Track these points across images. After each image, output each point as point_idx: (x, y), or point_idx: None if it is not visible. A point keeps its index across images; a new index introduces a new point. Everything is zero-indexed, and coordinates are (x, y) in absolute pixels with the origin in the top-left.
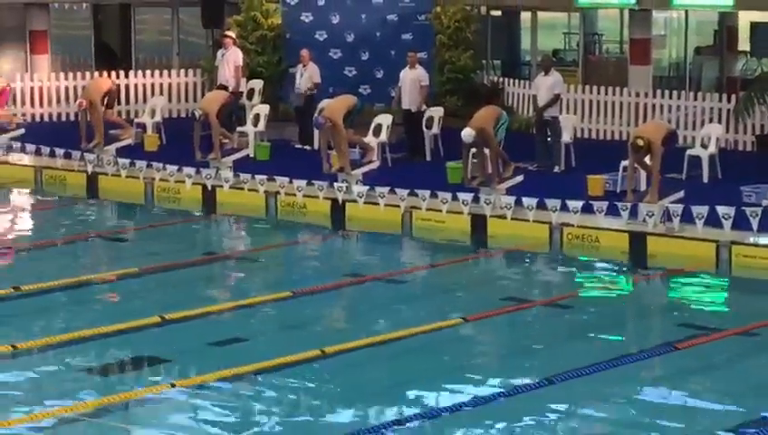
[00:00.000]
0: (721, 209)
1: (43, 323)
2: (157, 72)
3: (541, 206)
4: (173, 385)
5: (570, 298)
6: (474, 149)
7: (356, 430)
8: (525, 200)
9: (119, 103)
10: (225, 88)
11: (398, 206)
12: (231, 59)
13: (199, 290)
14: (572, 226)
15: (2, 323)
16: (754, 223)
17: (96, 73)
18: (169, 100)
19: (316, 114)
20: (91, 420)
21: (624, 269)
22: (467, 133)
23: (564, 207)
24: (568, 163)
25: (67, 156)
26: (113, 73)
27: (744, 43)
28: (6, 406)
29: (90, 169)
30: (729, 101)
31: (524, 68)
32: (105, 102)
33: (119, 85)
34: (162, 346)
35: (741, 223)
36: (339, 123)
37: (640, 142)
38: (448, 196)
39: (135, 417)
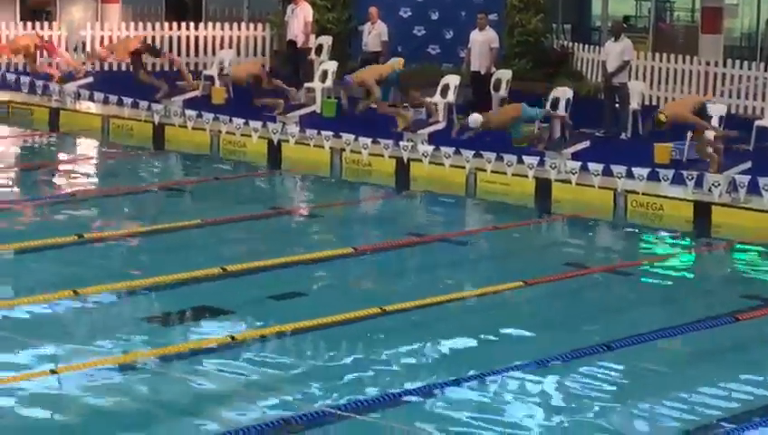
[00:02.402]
0: None
1: (104, 271)
2: (226, 25)
3: (606, 172)
4: (232, 338)
5: (631, 266)
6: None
7: (411, 388)
8: (591, 166)
9: (187, 55)
10: (293, 43)
11: (463, 167)
12: (301, 14)
13: (261, 244)
14: (637, 193)
15: (65, 270)
16: None
17: (128, 33)
18: (238, 53)
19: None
20: (150, 369)
21: (688, 239)
22: (474, 119)
23: (630, 175)
24: (635, 130)
25: (134, 105)
26: (183, 25)
27: None
28: (67, 352)
29: (157, 119)
30: None
31: (594, 33)
32: (139, 61)
33: (150, 43)
34: (222, 298)
35: None
36: (371, 85)
37: (662, 118)
38: (513, 159)
39: (193, 367)
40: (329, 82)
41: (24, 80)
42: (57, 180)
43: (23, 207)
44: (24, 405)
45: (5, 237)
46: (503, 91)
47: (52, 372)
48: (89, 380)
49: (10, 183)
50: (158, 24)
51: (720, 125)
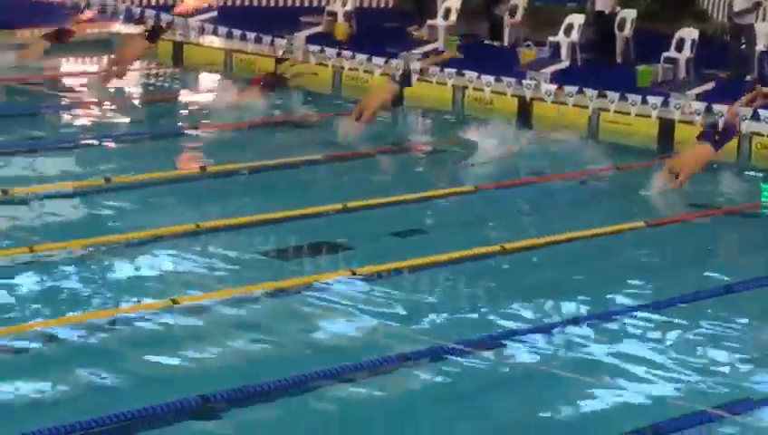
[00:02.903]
0: None
1: (226, 205)
2: None
3: None
4: (354, 272)
5: (754, 208)
6: None
7: (528, 327)
8: (716, 107)
9: None
10: None
11: (586, 106)
12: None
13: (382, 180)
14: (762, 135)
15: (187, 203)
16: None
17: None
18: None
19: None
20: (268, 303)
21: None
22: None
23: (755, 116)
24: (761, 72)
25: (258, 40)
26: None
27: None
28: (185, 283)
29: (279, 54)
30: None
31: None
32: None
33: None
34: (343, 234)
35: None
36: None
37: None
38: (638, 99)
39: (312, 301)
40: (452, 20)
41: (150, 13)
42: (180, 114)
43: (144, 141)
44: (144, 334)
45: (130, 170)
46: (627, 31)
47: (173, 302)
48: (207, 312)
49: (134, 116)
50: None
51: None
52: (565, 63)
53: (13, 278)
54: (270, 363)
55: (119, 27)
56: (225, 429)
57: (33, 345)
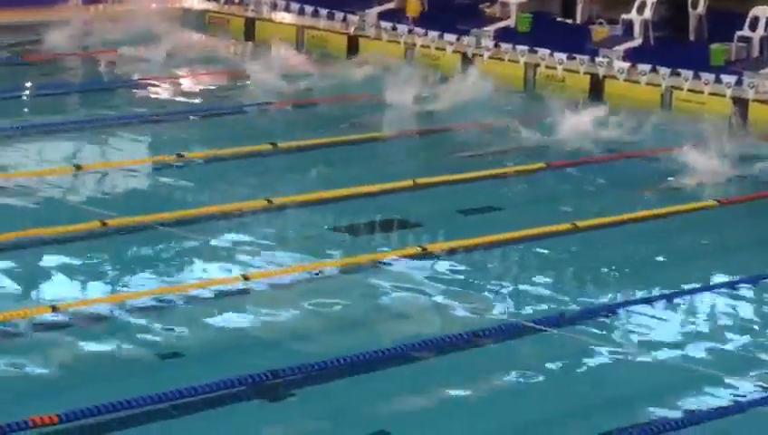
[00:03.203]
0: None
1: (297, 180)
2: None
3: None
4: (424, 249)
5: None
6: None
7: (598, 305)
8: None
9: None
10: None
11: (659, 84)
12: None
13: (453, 155)
14: None
15: (258, 178)
16: None
17: None
18: None
19: None
20: (339, 278)
21: None
22: None
23: None
24: None
25: (330, 17)
26: None
27: None
28: (256, 259)
29: (351, 30)
30: None
31: None
32: None
33: None
34: (413, 210)
35: None
36: None
37: None
38: (711, 77)
39: (382, 278)
40: None
41: None
42: (252, 89)
43: (216, 117)
44: (215, 309)
45: (203, 145)
46: (700, 9)
47: (245, 277)
48: (277, 287)
49: (204, 91)
50: None
51: None
52: (638, 41)
53: (86, 252)
54: (340, 339)
55: None
56: (294, 404)
57: (104, 318)
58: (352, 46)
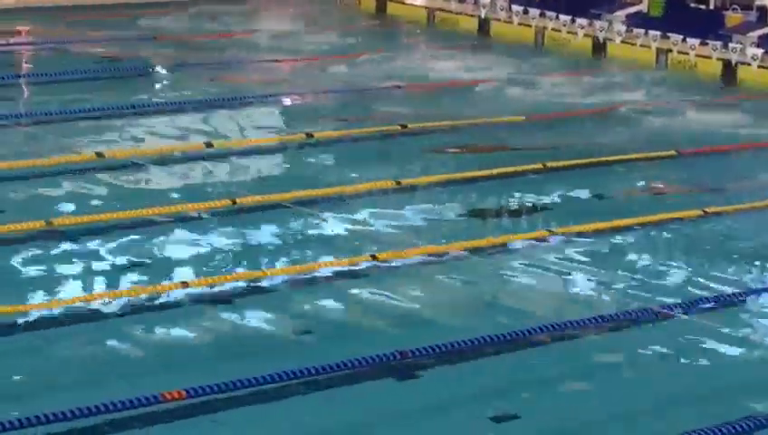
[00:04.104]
0: None
1: (424, 162)
2: None
3: None
4: (551, 232)
5: None
6: None
7: (727, 292)
8: None
9: None
10: None
11: None
12: None
13: (585, 139)
14: None
15: (387, 160)
16: None
17: None
18: None
19: None
20: (466, 260)
21: None
22: None
23: None
24: None
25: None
26: None
27: None
28: (384, 239)
29: (483, 13)
30: None
31: None
32: None
33: None
34: (541, 193)
35: None
36: None
37: None
38: None
39: (509, 260)
40: None
41: None
42: (381, 70)
43: (345, 97)
44: (345, 288)
45: (332, 125)
46: None
47: (373, 257)
48: (405, 268)
49: (337, 72)
50: None
51: None
52: None
53: (215, 230)
54: (466, 321)
55: None
56: (421, 384)
57: (234, 295)
58: (482, 29)
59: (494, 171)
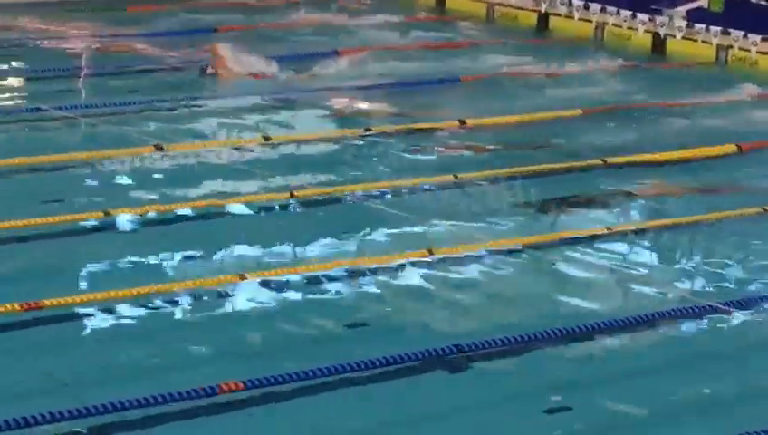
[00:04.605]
0: None
1: (481, 155)
2: None
3: None
4: (609, 229)
5: None
6: None
7: None
8: None
9: None
10: None
11: None
12: None
13: (644, 135)
14: None
15: (443, 154)
16: None
17: None
18: None
19: None
20: (525, 255)
21: None
22: None
23: None
24: None
25: None
26: None
27: None
28: (442, 234)
29: (543, 8)
30: None
31: None
32: None
33: None
34: (601, 188)
35: None
36: None
37: None
38: None
39: (568, 256)
40: None
41: None
42: (436, 61)
43: (404, 90)
44: (401, 281)
45: (390, 119)
46: None
47: (429, 252)
48: (462, 263)
49: (388, 64)
50: None
51: None
52: None
53: (275, 222)
54: (523, 317)
55: None
56: (478, 379)
57: (291, 287)
58: (541, 23)
59: (552, 166)
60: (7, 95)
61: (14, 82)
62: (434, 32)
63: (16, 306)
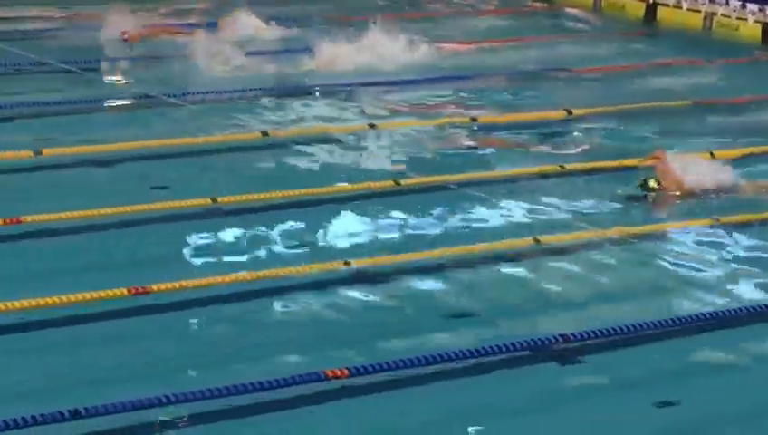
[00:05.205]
0: None
1: (588, 147)
2: None
3: None
4: (718, 220)
5: None
6: None
7: None
8: None
9: None
10: None
11: None
12: None
13: (754, 127)
14: None
15: (549, 145)
16: None
17: None
18: None
19: None
20: (623, 246)
21: None
22: None
23: None
24: None
25: None
26: None
27: None
28: (547, 223)
29: None
30: None
31: None
32: None
33: None
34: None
35: None
36: None
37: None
38: None
39: (667, 248)
40: None
41: None
42: (546, 52)
43: (506, 80)
44: (507, 270)
45: (494, 108)
46: None
47: (535, 241)
48: (566, 251)
49: (502, 55)
50: None
51: None
52: None
53: (377, 210)
54: (629, 306)
55: None
56: (584, 370)
57: (393, 275)
58: (649, 14)
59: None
60: (116, 82)
61: (123, 68)
62: (541, 21)
63: (125, 291)
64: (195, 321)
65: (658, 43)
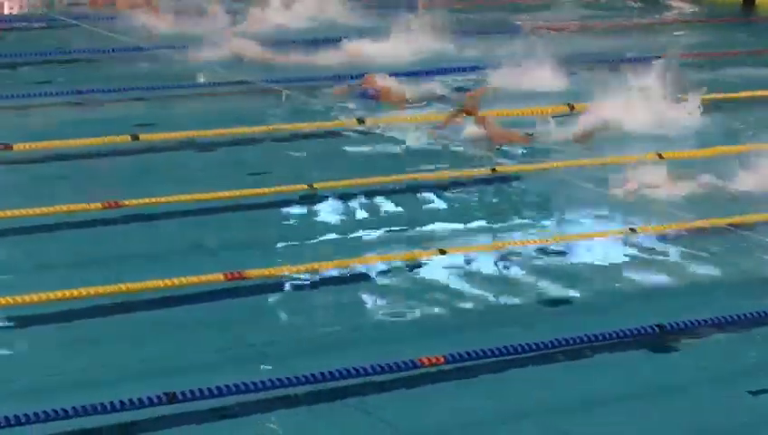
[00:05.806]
0: None
1: (687, 133)
2: None
3: None
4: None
5: None
6: None
7: None
8: None
9: None
10: None
11: None
12: None
13: None
14: None
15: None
16: None
17: None
18: None
19: None
20: (727, 235)
21: None
22: None
23: None
24: None
25: None
26: None
27: None
28: (639, 212)
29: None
30: None
31: None
32: None
33: None
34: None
35: None
36: None
37: None
38: None
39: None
40: None
41: None
42: (634, 39)
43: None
44: (602, 259)
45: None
46: None
47: (631, 230)
48: (661, 241)
49: (589, 41)
50: None
51: None
52: None
53: (473, 199)
54: (727, 296)
55: None
56: (683, 358)
57: (488, 264)
58: (749, 1)
59: (754, 147)
60: (214, 67)
61: (221, 54)
62: (630, 9)
63: (221, 276)
64: (290, 306)
65: (755, 31)
